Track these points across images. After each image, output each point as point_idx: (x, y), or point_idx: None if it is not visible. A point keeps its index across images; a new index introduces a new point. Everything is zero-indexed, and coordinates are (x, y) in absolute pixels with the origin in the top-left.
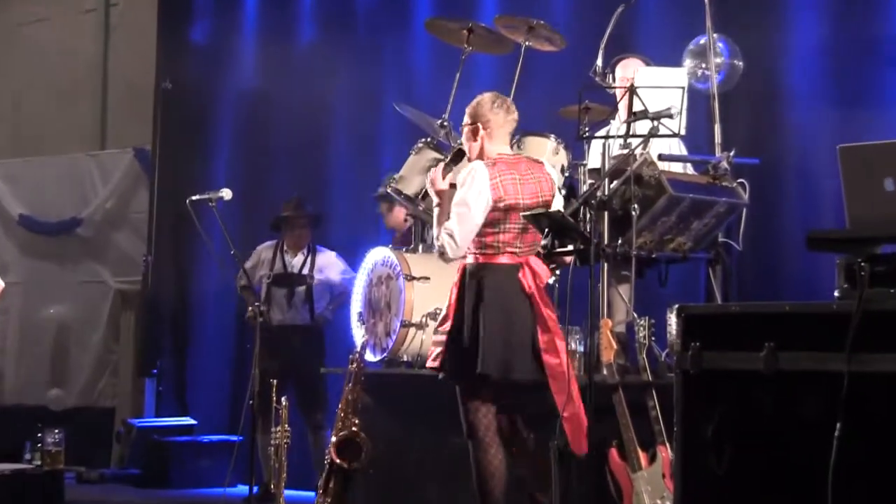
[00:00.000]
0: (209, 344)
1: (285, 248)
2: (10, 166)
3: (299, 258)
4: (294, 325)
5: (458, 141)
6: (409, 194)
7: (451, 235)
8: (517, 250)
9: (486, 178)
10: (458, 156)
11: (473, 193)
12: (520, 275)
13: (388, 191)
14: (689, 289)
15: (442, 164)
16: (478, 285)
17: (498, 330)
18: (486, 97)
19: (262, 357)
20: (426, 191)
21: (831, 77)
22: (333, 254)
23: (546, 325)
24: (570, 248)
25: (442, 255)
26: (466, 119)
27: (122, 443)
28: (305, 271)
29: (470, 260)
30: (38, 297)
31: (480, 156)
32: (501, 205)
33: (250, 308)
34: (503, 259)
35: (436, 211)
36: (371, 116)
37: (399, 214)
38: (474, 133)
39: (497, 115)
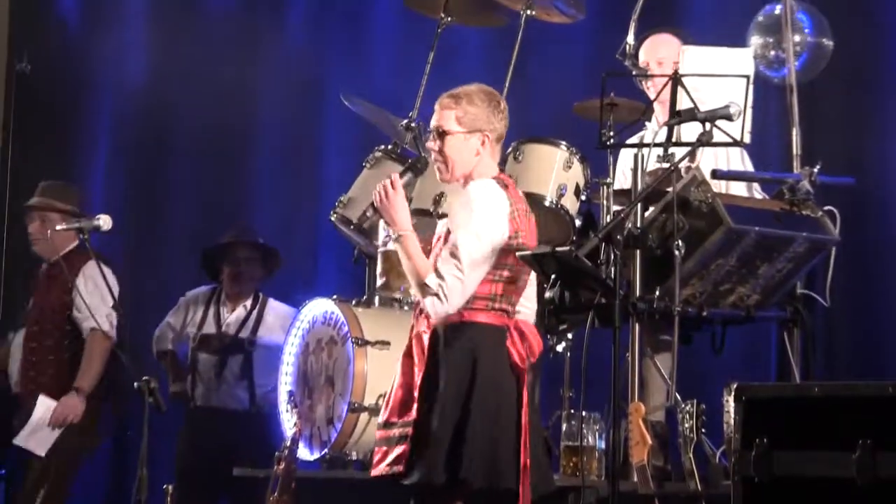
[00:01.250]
0: None
1: (223, 298)
2: None
3: (239, 313)
4: (225, 409)
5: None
6: (365, 225)
7: (458, 278)
8: (509, 308)
9: (505, 202)
10: (421, 166)
11: (492, 221)
12: (508, 343)
13: (333, 219)
14: (755, 361)
15: (396, 173)
16: (464, 356)
17: (487, 421)
18: (481, 93)
19: (180, 451)
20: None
21: None
22: (289, 309)
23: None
24: (587, 301)
25: (421, 310)
26: (451, 124)
27: None
28: (245, 333)
29: (454, 319)
30: None
31: (469, 177)
32: (515, 243)
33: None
34: (489, 318)
35: (395, 240)
36: (309, 114)
37: (56, 235)
38: (481, 145)
39: (500, 121)
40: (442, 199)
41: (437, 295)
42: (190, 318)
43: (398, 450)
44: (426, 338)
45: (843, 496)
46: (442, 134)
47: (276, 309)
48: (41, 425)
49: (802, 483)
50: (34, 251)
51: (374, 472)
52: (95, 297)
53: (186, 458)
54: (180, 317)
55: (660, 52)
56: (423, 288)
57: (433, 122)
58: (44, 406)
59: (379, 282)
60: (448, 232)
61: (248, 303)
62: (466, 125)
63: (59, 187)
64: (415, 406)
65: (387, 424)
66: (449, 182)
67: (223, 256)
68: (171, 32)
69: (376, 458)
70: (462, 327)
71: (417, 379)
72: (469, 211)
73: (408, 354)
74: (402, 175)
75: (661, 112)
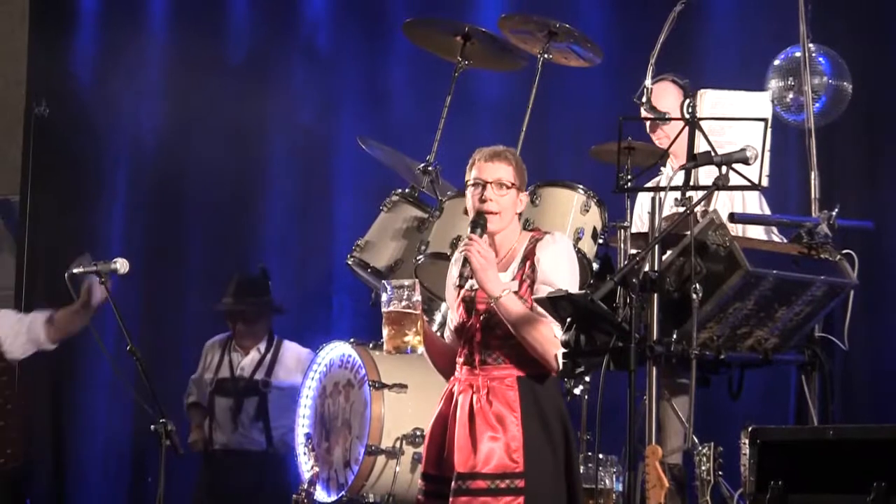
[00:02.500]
0: (98, 473)
1: (234, 344)
2: None
3: (252, 357)
4: (242, 450)
5: (445, 194)
6: (380, 268)
7: None
8: None
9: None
10: (484, 223)
11: (577, 271)
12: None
13: (350, 262)
14: (772, 404)
15: (473, 234)
16: (555, 409)
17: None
18: (516, 152)
19: (199, 497)
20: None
21: None
22: (304, 350)
23: None
24: (603, 344)
25: (483, 360)
26: (512, 178)
27: None
28: (260, 375)
29: (520, 372)
30: None
31: (506, 228)
32: None
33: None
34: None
35: (498, 300)
36: (324, 157)
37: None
38: (520, 199)
39: None
40: (459, 242)
41: (559, 349)
42: (207, 365)
43: (507, 500)
44: (506, 388)
45: None
46: (504, 187)
47: (290, 350)
48: None
49: None
50: None
51: None
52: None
53: (206, 500)
54: (200, 367)
55: (662, 103)
56: (554, 342)
57: (493, 175)
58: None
59: (387, 346)
60: (527, 278)
61: (263, 345)
62: (518, 181)
63: None
64: (514, 457)
65: (474, 475)
66: (497, 233)
67: (229, 311)
68: (190, 76)
69: None
70: (547, 380)
71: (487, 430)
72: (566, 262)
73: (471, 406)
74: (472, 233)
75: (676, 156)
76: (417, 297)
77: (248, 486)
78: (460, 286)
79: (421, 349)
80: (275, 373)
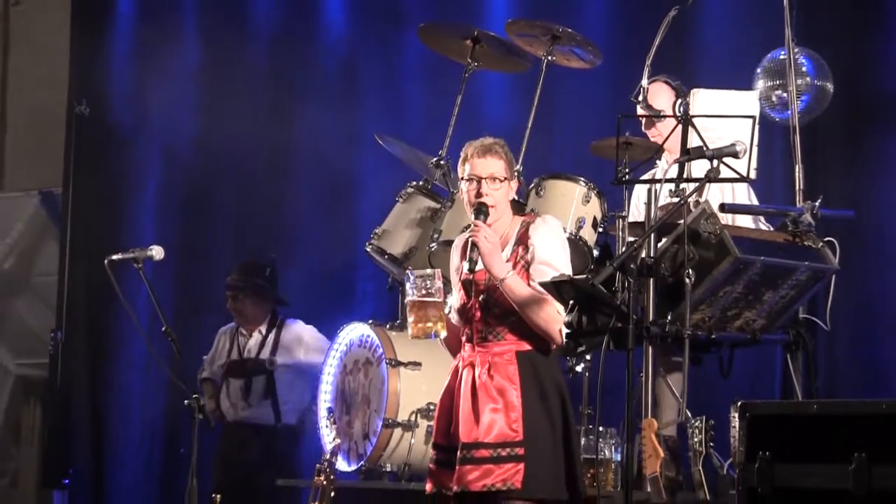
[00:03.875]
0: (134, 447)
1: (240, 329)
2: None
3: (256, 338)
4: (252, 424)
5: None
6: (396, 254)
7: None
8: None
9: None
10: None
11: (568, 255)
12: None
13: (368, 249)
14: (760, 381)
15: (478, 221)
16: (553, 386)
17: (578, 444)
18: (505, 144)
19: (216, 465)
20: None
21: None
22: (307, 327)
23: None
24: (603, 325)
25: (484, 338)
26: (504, 172)
27: None
28: (265, 354)
29: (519, 347)
30: None
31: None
32: None
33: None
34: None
35: (502, 281)
36: (345, 153)
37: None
38: (511, 189)
39: None
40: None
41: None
42: (219, 351)
43: (508, 466)
44: (506, 362)
45: None
46: (498, 181)
47: (292, 330)
48: None
49: (802, 494)
50: None
51: (478, 485)
52: None
53: (221, 472)
54: (213, 350)
55: (657, 102)
56: (557, 318)
57: (486, 171)
58: None
59: (412, 331)
60: (520, 260)
61: (264, 327)
62: (509, 172)
63: None
64: (514, 427)
65: (477, 445)
66: (492, 224)
67: (226, 285)
68: (220, 76)
69: (474, 475)
70: (545, 354)
71: (489, 402)
72: (559, 242)
73: (473, 380)
74: (476, 219)
75: (670, 151)
76: (439, 284)
77: (258, 457)
78: (470, 270)
79: (444, 334)
80: (279, 351)
